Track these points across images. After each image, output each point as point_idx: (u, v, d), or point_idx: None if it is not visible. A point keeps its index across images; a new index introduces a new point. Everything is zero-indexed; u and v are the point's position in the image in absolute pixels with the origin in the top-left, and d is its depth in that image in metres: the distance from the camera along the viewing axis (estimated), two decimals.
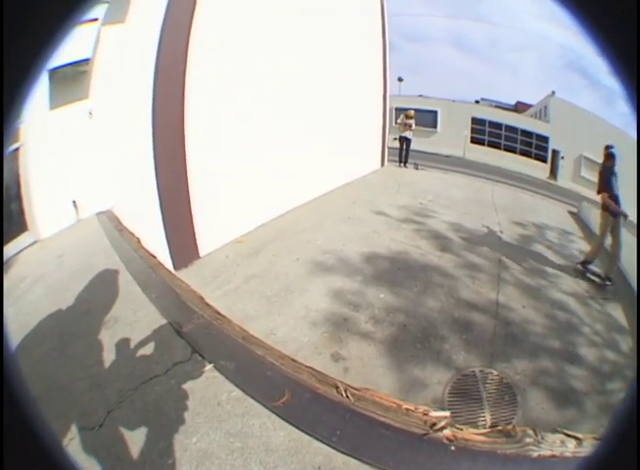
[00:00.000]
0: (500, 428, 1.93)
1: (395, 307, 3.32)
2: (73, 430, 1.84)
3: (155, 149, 3.42)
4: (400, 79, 15.50)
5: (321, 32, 5.64)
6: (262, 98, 4.52)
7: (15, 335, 2.37)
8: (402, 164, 8.63)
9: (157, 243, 3.64)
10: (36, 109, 3.52)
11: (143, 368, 2.25)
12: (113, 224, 4.01)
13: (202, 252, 3.91)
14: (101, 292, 3.09)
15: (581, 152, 13.73)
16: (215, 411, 1.95)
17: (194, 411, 1.95)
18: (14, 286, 3.28)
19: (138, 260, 3.48)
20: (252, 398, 2.00)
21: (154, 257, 3.59)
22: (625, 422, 0.35)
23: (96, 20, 3.69)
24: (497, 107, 17.36)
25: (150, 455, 1.72)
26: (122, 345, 2.48)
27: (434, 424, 1.83)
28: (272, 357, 2.25)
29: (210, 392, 2.06)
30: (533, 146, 15.29)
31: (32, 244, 3.76)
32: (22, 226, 3.71)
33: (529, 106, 17.20)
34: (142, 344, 2.47)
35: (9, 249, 3.57)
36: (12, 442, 0.33)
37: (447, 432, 1.78)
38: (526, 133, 15.31)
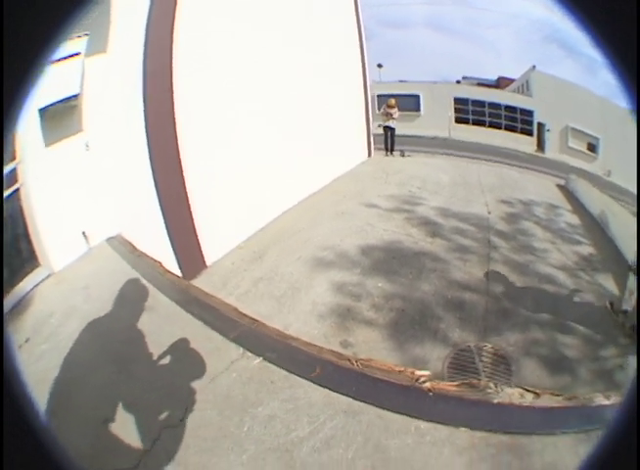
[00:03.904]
0: (467, 382, 2.55)
1: (393, 294, 3.58)
2: (157, 432, 2.26)
3: (153, 172, 3.59)
4: (380, 66, 15.48)
5: (295, 29, 5.61)
6: (245, 105, 4.58)
7: (62, 369, 2.67)
8: (389, 153, 8.83)
9: (165, 257, 3.83)
10: (31, 148, 3.57)
11: (206, 370, 2.69)
12: (126, 249, 4.15)
13: (208, 261, 4.09)
14: (142, 315, 3.23)
15: (567, 123, 13.82)
16: (271, 388, 2.56)
17: (256, 391, 2.54)
18: (43, 322, 3.23)
19: (168, 283, 3.68)
20: (295, 374, 2.65)
21: (179, 277, 3.78)
22: (626, 420, 0.36)
23: (78, 54, 3.72)
24: (479, 84, 17.36)
25: (227, 428, 2.30)
26: (180, 357, 2.80)
27: (417, 379, 2.54)
28: (302, 345, 2.94)
29: (265, 376, 2.66)
30: (518, 121, 15.34)
31: (47, 277, 3.75)
32: (34, 262, 3.70)
33: (512, 80, 17.18)
34: (198, 353, 2.82)
35: (24, 285, 3.56)
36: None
37: (427, 384, 2.50)
38: (510, 108, 15.36)
